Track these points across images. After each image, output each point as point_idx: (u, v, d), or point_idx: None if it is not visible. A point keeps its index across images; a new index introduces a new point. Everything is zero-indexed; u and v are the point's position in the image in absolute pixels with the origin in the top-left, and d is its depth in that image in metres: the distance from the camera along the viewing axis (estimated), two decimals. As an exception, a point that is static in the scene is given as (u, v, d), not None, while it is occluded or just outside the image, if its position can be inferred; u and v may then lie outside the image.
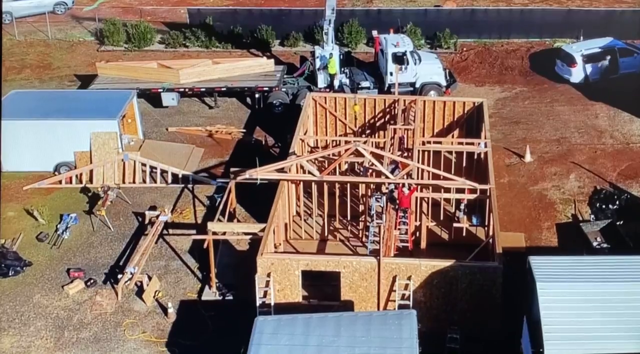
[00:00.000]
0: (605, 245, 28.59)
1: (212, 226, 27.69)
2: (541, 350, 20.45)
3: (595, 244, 28.69)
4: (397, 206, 27.80)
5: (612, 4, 48.73)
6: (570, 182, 32.81)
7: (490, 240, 26.32)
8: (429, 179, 29.41)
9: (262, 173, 28.52)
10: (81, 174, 33.34)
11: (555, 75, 41.69)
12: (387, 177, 28.11)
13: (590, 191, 32.06)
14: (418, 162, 29.46)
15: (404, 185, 27.62)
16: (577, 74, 40.70)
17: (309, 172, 28.93)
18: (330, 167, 29.15)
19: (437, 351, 23.97)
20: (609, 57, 40.50)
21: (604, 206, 30.88)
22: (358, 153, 28.91)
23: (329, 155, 30.09)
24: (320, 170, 29.51)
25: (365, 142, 29.91)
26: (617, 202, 30.88)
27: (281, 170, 28.81)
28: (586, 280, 21.90)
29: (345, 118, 34.59)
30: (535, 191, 32.50)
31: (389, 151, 29.79)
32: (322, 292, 25.85)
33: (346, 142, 30.81)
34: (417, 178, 28.70)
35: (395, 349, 21.08)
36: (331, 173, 29.45)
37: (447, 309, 24.85)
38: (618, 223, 29.79)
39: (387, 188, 28.32)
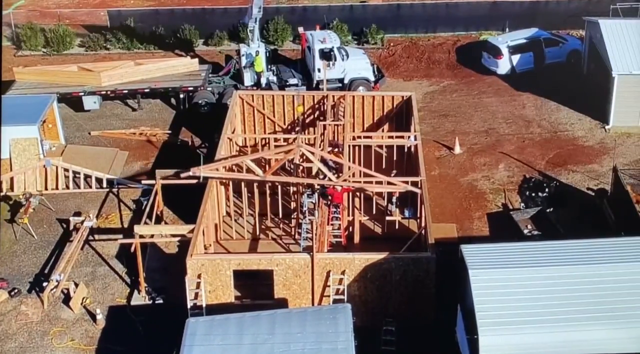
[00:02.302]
0: (536, 232, 28.74)
1: (139, 229, 26.95)
2: (475, 337, 20.38)
3: (526, 231, 28.83)
4: (329, 202, 27.47)
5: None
6: (500, 172, 32.95)
7: (423, 232, 26.21)
8: (360, 176, 29.13)
9: (205, 171, 27.89)
10: (1, 182, 32.16)
11: (482, 67, 41.95)
12: (329, 179, 27.69)
13: (520, 179, 32.25)
14: (349, 157, 29.21)
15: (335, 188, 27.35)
16: (503, 65, 41.01)
17: (252, 172, 28.34)
18: (274, 168, 28.50)
19: (373, 344, 23.73)
20: (534, 48, 40.96)
21: (533, 194, 31.08)
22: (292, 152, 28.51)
23: (274, 153, 29.55)
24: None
25: (295, 140, 29.50)
26: (547, 190, 31.09)
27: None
28: (518, 266, 21.96)
29: (274, 116, 34.20)
30: (466, 182, 32.54)
31: (320, 147, 29.47)
32: (256, 291, 25.35)
33: (282, 139, 30.43)
34: (351, 177, 28.36)
35: (331, 343, 20.77)
36: (274, 173, 28.91)
37: (382, 301, 24.62)
38: (548, 210, 30.01)
39: (318, 185, 27.96)
